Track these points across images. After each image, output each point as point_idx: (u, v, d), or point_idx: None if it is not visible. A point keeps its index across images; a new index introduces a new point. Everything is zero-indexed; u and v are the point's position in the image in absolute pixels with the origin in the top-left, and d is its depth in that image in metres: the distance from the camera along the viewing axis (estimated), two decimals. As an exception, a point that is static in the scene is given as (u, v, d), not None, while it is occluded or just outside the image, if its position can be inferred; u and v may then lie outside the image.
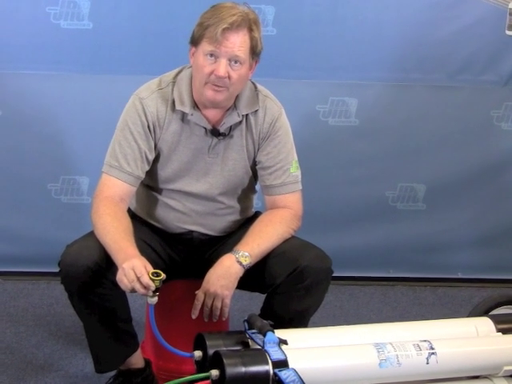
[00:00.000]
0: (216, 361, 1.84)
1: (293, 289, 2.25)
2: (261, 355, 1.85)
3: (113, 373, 2.44)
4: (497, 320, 2.16)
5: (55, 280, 2.39)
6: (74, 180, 3.45)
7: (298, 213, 2.41)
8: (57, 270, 2.24)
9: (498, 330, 2.13)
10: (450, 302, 3.54)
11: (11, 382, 2.63)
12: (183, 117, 2.35)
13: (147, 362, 2.47)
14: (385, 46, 3.37)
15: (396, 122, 3.50)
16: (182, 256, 2.49)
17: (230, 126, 2.37)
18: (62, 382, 2.66)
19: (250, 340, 1.95)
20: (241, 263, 2.23)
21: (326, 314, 3.15)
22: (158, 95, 2.35)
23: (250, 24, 2.24)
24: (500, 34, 3.29)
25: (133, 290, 2.05)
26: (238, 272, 2.23)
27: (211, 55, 2.23)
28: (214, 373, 1.82)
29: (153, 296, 2.03)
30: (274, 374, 1.82)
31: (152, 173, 2.40)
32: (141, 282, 2.02)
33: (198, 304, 2.24)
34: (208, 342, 1.92)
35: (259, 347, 1.89)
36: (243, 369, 1.81)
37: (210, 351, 1.90)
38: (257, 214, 2.51)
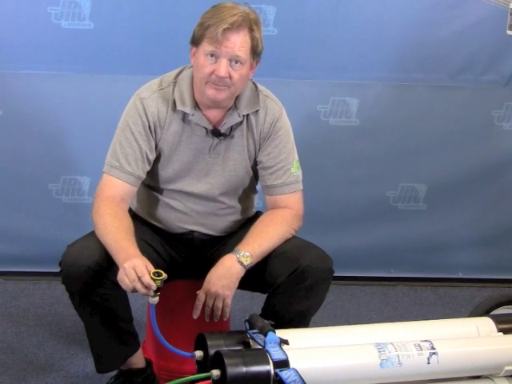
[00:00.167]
0: (217, 361, 1.84)
1: (294, 289, 2.25)
2: (262, 355, 1.85)
3: (114, 373, 2.44)
4: (498, 320, 2.16)
5: (56, 280, 2.38)
6: (74, 180, 3.45)
7: (298, 213, 2.42)
8: (58, 269, 2.24)
9: (499, 330, 2.13)
10: (450, 301, 3.54)
11: (12, 382, 2.63)
12: (184, 117, 2.35)
13: (148, 362, 2.47)
14: (386, 45, 3.37)
15: (397, 121, 3.50)
16: (183, 256, 2.49)
17: (231, 127, 2.37)
18: (63, 382, 2.66)
19: (251, 340, 1.95)
20: (242, 263, 2.23)
21: (326, 313, 3.15)
22: (159, 95, 2.35)
23: (250, 24, 2.24)
24: (501, 33, 3.28)
25: (134, 290, 2.05)
26: (239, 272, 2.23)
27: (212, 55, 2.23)
28: (215, 373, 1.83)
29: (154, 296, 2.03)
30: (275, 373, 1.82)
31: (153, 173, 2.40)
32: (142, 282, 2.02)
33: (199, 304, 2.24)
34: (209, 342, 1.92)
35: (260, 347, 1.89)
36: (244, 369, 1.81)
37: (211, 351, 1.90)
38: (258, 214, 2.51)
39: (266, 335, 1.91)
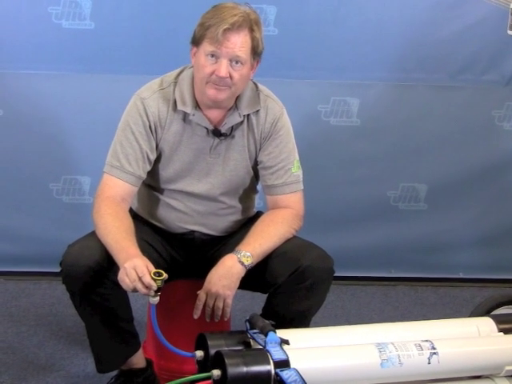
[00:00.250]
0: (218, 361, 1.84)
1: (294, 289, 2.25)
2: (262, 355, 1.85)
3: (114, 373, 2.44)
4: (498, 320, 2.16)
5: (57, 280, 2.38)
6: (75, 180, 3.45)
7: (299, 213, 2.42)
8: (58, 269, 2.24)
9: (500, 330, 2.13)
10: (451, 301, 3.54)
11: (13, 382, 2.63)
12: (185, 117, 2.35)
13: (149, 362, 2.47)
14: (386, 45, 3.37)
15: (397, 121, 3.50)
16: (184, 256, 2.49)
17: (232, 126, 2.37)
18: (64, 382, 2.66)
19: (251, 340, 1.95)
20: (243, 263, 2.23)
21: (327, 313, 3.15)
22: (160, 95, 2.35)
23: (251, 24, 2.24)
24: (502, 33, 3.27)
25: (134, 290, 2.05)
26: (239, 272, 2.23)
27: (212, 55, 2.23)
28: (216, 373, 1.83)
29: (154, 296, 2.03)
30: (276, 373, 1.82)
31: (153, 173, 2.40)
32: (143, 282, 2.02)
33: (199, 304, 2.24)
34: (210, 342, 1.92)
35: (261, 347, 1.89)
36: (245, 369, 1.81)
37: (212, 351, 1.90)
38: (258, 214, 2.51)
39: (266, 335, 1.91)
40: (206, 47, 2.23)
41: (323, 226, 3.44)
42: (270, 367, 1.82)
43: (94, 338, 2.34)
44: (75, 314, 2.33)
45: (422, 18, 3.36)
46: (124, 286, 2.07)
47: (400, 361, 1.92)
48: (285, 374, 1.81)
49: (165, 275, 2.03)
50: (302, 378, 1.82)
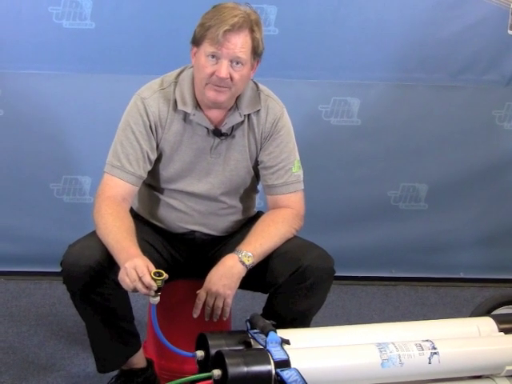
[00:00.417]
0: (218, 360, 1.85)
1: (295, 288, 2.25)
2: (263, 355, 1.85)
3: (115, 373, 2.44)
4: (499, 320, 2.16)
5: (57, 280, 2.38)
6: (76, 180, 3.45)
7: (300, 212, 2.42)
8: (59, 269, 2.24)
9: (500, 330, 2.13)
10: (452, 301, 3.54)
11: (13, 382, 2.63)
12: (185, 117, 2.35)
13: (149, 362, 2.47)
14: (387, 45, 3.37)
15: (398, 121, 3.50)
16: (185, 256, 2.49)
17: (232, 126, 2.37)
18: (64, 382, 2.66)
19: (252, 340, 1.95)
20: (244, 263, 2.23)
21: (328, 313, 3.15)
22: (160, 95, 2.35)
23: (251, 25, 2.24)
24: (502, 33, 3.28)
25: (135, 290, 2.05)
26: (240, 272, 2.23)
27: (213, 56, 2.22)
28: (216, 372, 1.83)
29: (155, 296, 2.03)
30: (276, 373, 1.82)
31: (154, 173, 2.40)
32: (143, 282, 2.02)
33: (199, 303, 2.24)
34: (210, 342, 1.92)
35: (261, 347, 1.89)
36: (245, 368, 1.81)
37: (212, 351, 1.90)
38: (259, 214, 2.51)
39: (267, 335, 1.91)
40: (207, 48, 2.23)
41: (324, 226, 3.44)
42: (271, 367, 1.82)
43: (94, 338, 2.34)
44: (76, 313, 2.33)
45: (423, 17, 3.36)
46: (124, 286, 2.07)
47: (401, 361, 1.92)
48: (285, 374, 1.81)
49: (165, 275, 2.03)
50: (302, 377, 1.82)
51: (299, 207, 2.42)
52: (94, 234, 2.26)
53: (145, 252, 2.15)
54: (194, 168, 2.40)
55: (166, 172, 2.40)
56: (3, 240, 3.45)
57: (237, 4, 2.27)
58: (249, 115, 2.38)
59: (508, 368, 2.03)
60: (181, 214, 2.44)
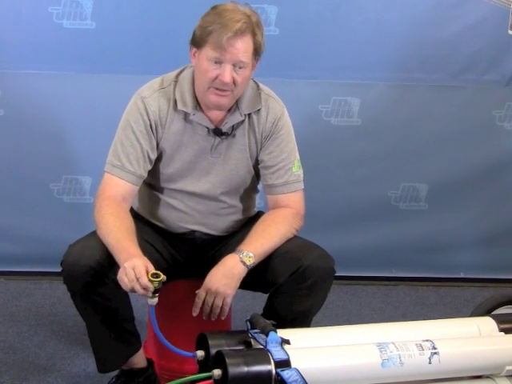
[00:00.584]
0: (218, 360, 1.84)
1: (295, 288, 2.25)
2: (263, 355, 1.85)
3: (115, 372, 2.44)
4: (499, 320, 2.16)
5: (57, 280, 2.38)
6: (76, 180, 3.45)
7: (300, 212, 2.41)
8: (59, 269, 2.24)
9: (501, 330, 2.13)
10: (452, 301, 3.54)
11: (13, 382, 2.63)
12: (185, 116, 2.35)
13: (149, 362, 2.47)
14: (387, 45, 3.37)
15: (398, 121, 3.50)
16: (185, 256, 2.49)
17: (233, 126, 2.37)
18: (65, 382, 2.66)
19: (252, 340, 1.95)
20: (245, 263, 2.23)
21: (328, 313, 3.15)
22: (160, 94, 2.35)
23: (253, 28, 2.23)
24: (502, 33, 3.28)
25: (133, 290, 2.05)
26: (241, 272, 2.23)
27: (215, 61, 2.22)
28: (217, 372, 1.83)
29: (152, 297, 2.02)
30: (277, 373, 1.82)
31: (154, 172, 2.40)
32: (140, 283, 2.02)
33: (198, 302, 2.24)
34: (210, 342, 1.92)
35: (262, 347, 1.89)
36: (245, 368, 1.81)
37: (213, 351, 1.90)
38: (259, 214, 2.51)
39: (267, 335, 1.91)
40: (209, 53, 2.21)
41: (324, 226, 3.44)
42: (271, 367, 1.82)
43: (94, 338, 2.34)
44: (76, 313, 2.33)
45: (423, 17, 3.36)
46: (123, 286, 2.07)
47: (401, 360, 1.92)
48: (286, 374, 1.81)
49: (162, 277, 2.02)
50: (302, 377, 1.82)
51: (299, 207, 2.42)
52: (94, 233, 2.26)
53: (145, 252, 2.15)
54: (194, 167, 2.40)
55: (166, 171, 2.40)
56: (3, 240, 3.45)
57: (236, 5, 2.26)
58: (249, 114, 2.38)
59: (508, 368, 2.03)
60: (181, 213, 2.44)
